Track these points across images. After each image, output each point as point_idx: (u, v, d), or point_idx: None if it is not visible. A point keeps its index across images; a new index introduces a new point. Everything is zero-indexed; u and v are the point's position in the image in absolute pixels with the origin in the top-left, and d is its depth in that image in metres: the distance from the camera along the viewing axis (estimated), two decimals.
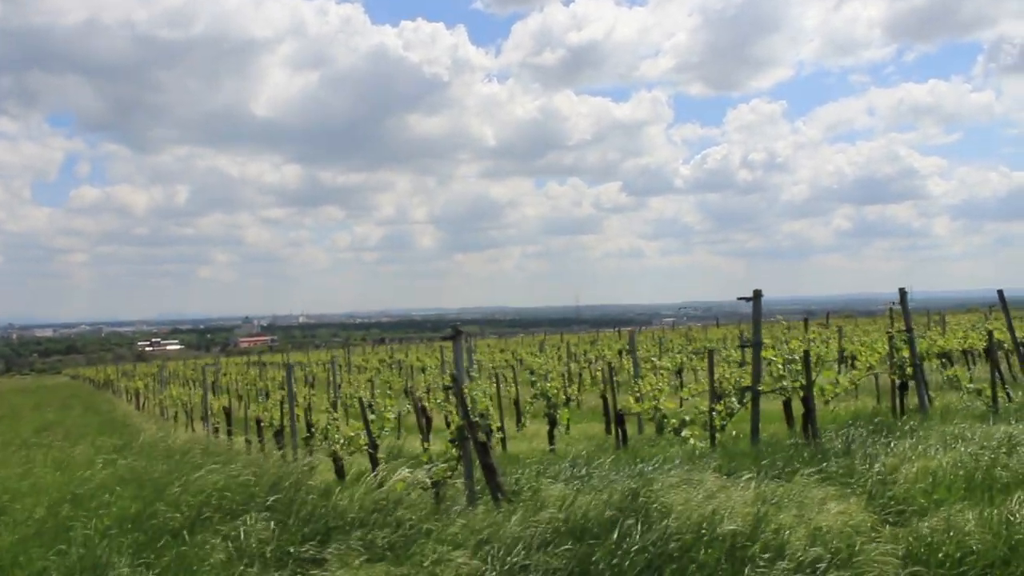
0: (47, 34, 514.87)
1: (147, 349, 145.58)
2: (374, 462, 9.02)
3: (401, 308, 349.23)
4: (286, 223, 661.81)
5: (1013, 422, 8.74)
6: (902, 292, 10.29)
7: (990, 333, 11.22)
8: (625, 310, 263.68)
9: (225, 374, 35.65)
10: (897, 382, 10.42)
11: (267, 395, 19.05)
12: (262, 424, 14.86)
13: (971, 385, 10.90)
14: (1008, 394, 11.31)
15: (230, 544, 6.54)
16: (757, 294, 8.73)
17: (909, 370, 10.26)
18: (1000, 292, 11.01)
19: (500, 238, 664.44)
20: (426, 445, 9.05)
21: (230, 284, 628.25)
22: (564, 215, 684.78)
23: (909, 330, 10.16)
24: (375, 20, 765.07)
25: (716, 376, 10.00)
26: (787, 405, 9.88)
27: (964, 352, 16.95)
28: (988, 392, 10.27)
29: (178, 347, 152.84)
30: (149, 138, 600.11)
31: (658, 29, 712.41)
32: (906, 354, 10.21)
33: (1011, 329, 11.58)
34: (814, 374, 9.03)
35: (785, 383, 9.17)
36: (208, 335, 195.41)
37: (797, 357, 9.04)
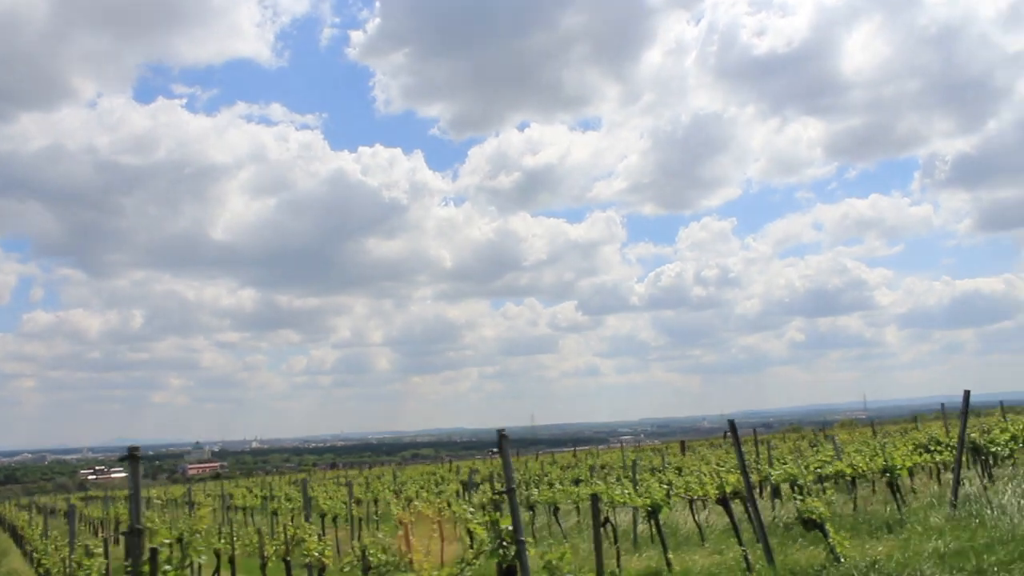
0: (8, 160, 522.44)
1: (90, 478, 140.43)
2: None
3: (357, 432, 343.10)
4: (241, 347, 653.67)
5: None
6: (731, 423, 9.98)
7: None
8: (583, 428, 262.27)
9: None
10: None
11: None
12: None
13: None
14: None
15: None
16: (502, 436, 7.48)
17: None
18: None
19: (457, 359, 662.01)
20: None
21: (183, 409, 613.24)
22: (521, 335, 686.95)
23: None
24: (334, 146, 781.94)
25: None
26: None
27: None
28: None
29: (123, 475, 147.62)
30: (106, 262, 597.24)
31: (611, 152, 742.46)
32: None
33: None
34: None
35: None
36: (157, 462, 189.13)
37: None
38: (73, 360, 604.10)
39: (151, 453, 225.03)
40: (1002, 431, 15.16)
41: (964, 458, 16.70)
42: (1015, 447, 15.37)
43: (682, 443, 28.41)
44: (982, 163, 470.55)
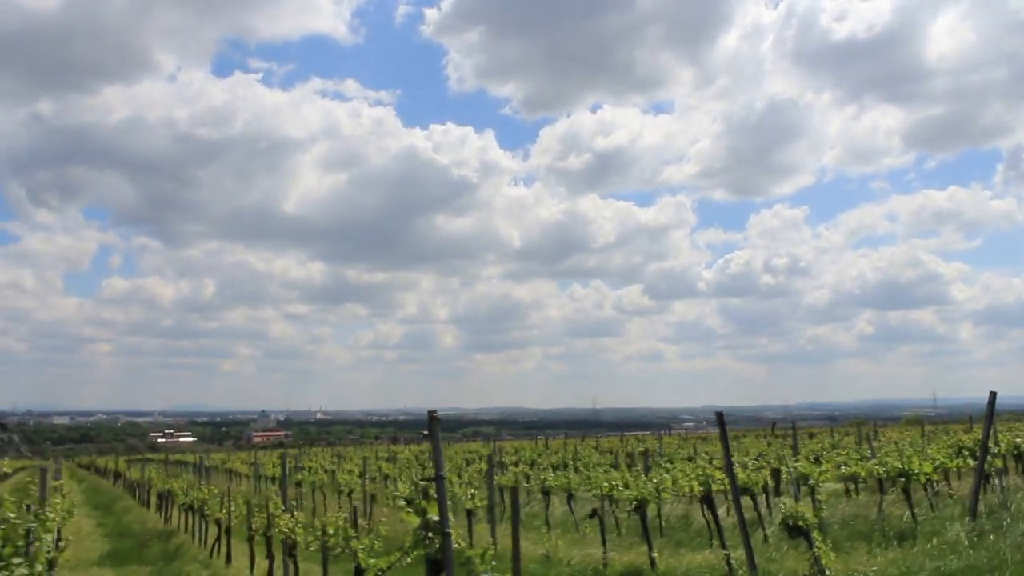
0: (92, 131, 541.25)
1: (160, 440, 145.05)
2: None
3: (420, 407, 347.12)
4: (310, 319, 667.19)
5: None
6: (719, 415, 9.25)
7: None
8: (645, 413, 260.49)
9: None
10: None
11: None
12: None
13: None
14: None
15: None
16: (432, 418, 5.90)
17: None
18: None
19: (522, 339, 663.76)
20: None
21: (251, 378, 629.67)
22: (586, 317, 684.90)
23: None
24: (406, 123, 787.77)
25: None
26: None
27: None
28: None
29: (191, 439, 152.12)
30: (181, 232, 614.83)
31: (682, 136, 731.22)
32: None
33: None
34: None
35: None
36: (224, 428, 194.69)
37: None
38: (147, 326, 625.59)
39: (218, 419, 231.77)
40: None
41: (1009, 465, 15.50)
42: None
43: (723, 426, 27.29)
44: None
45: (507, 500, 18.42)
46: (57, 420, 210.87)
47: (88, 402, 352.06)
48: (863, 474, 12.89)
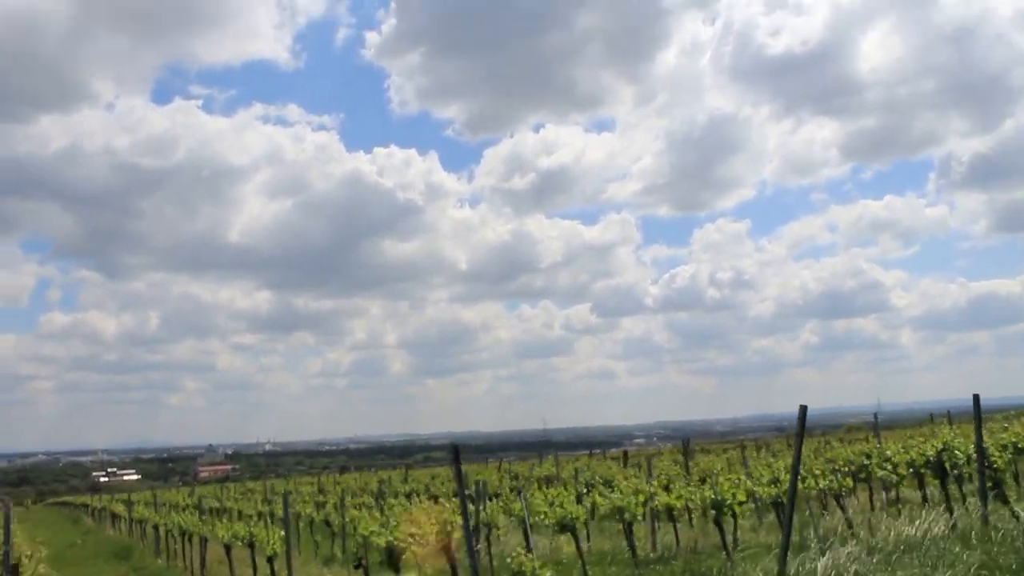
0: (28, 161, 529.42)
1: (102, 480, 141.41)
2: None
3: (371, 434, 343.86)
4: (257, 349, 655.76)
5: None
6: (454, 448, 8.67)
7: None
8: (597, 432, 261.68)
9: None
10: None
11: None
12: None
13: None
14: None
15: None
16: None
17: None
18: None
19: (472, 362, 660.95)
20: None
21: (198, 411, 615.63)
22: (535, 338, 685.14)
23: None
24: (349, 147, 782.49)
25: None
26: None
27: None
28: None
29: (136, 478, 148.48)
30: (123, 264, 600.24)
31: (625, 153, 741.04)
32: None
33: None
34: None
35: None
36: (170, 464, 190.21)
37: None
38: (89, 362, 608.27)
39: (164, 456, 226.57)
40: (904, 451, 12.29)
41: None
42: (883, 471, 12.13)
43: (624, 453, 28.09)
44: (998, 164, 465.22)
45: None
46: None
47: (28, 443, 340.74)
48: (678, 505, 11.40)
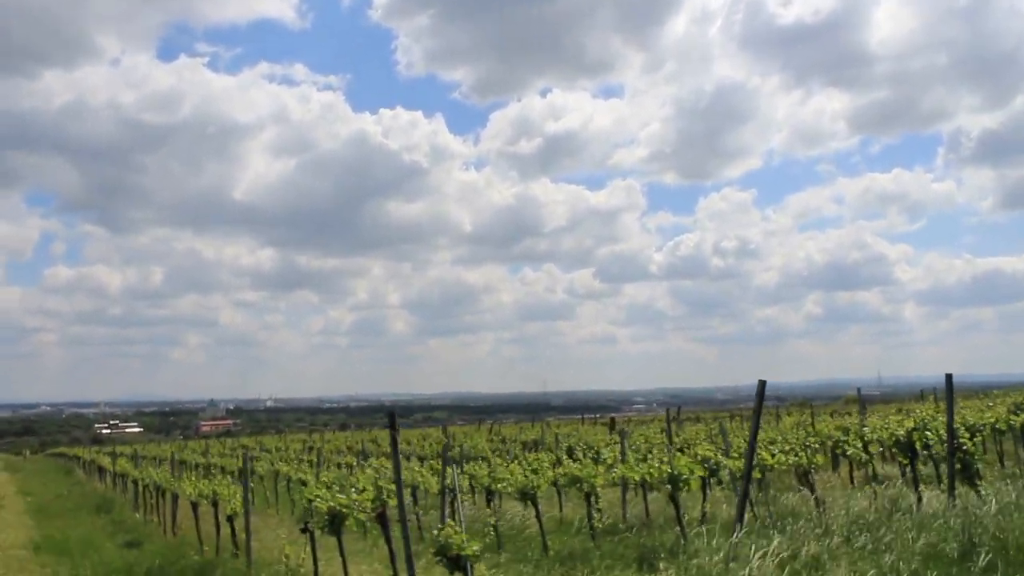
0: (33, 116, 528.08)
1: (104, 432, 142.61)
2: None
3: (372, 393, 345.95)
4: (260, 306, 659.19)
5: None
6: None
7: None
8: (597, 396, 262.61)
9: None
10: None
11: None
12: None
13: None
14: None
15: None
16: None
17: None
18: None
19: (474, 323, 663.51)
20: None
21: (201, 366, 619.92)
22: (538, 301, 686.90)
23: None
24: (356, 108, 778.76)
25: None
26: None
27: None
28: None
29: (138, 430, 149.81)
30: (127, 219, 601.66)
31: (633, 120, 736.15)
32: None
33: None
34: None
35: None
36: (172, 418, 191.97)
37: None
38: (94, 316, 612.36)
39: (167, 409, 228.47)
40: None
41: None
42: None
43: (612, 419, 27.89)
44: (1008, 140, 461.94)
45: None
46: None
47: (32, 394, 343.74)
48: (635, 478, 11.00)
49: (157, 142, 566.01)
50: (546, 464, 13.23)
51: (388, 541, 8.50)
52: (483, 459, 18.66)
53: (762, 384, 8.13)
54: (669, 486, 10.12)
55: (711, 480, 11.74)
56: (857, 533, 8.53)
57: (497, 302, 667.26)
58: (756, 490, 11.44)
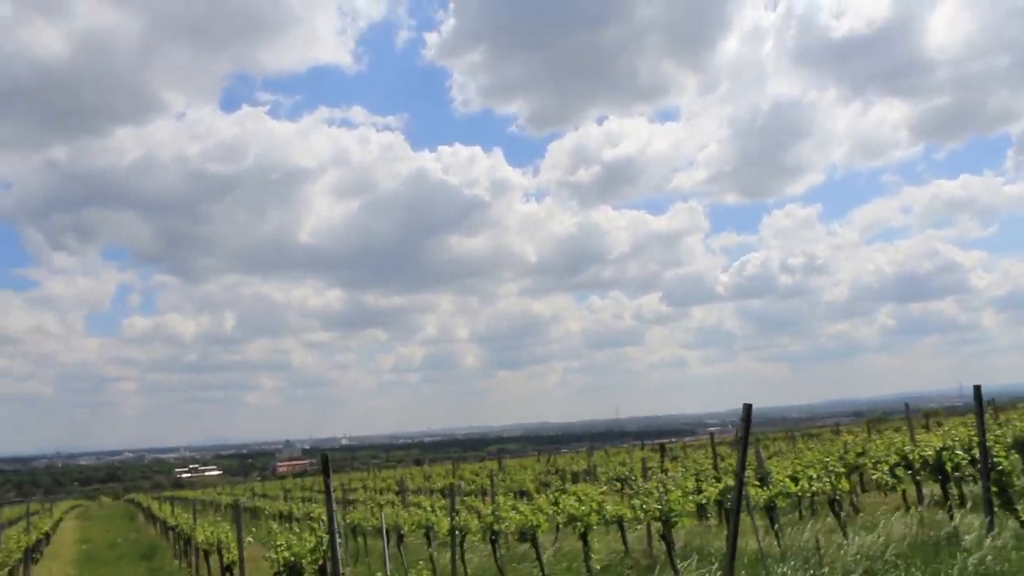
0: (106, 173, 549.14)
1: (184, 476, 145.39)
2: None
3: (444, 427, 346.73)
4: (331, 346, 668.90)
5: None
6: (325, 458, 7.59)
7: None
8: (669, 420, 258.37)
9: None
10: None
11: None
12: None
13: None
14: None
15: None
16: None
17: None
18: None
19: (543, 354, 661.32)
20: None
21: (275, 408, 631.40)
22: (606, 328, 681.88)
23: None
24: (414, 146, 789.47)
25: None
26: None
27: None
28: None
29: (217, 473, 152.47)
30: (198, 268, 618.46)
31: (690, 142, 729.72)
32: None
33: None
34: None
35: None
36: (249, 460, 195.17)
37: None
38: (170, 363, 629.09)
39: (244, 451, 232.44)
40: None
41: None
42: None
43: (662, 446, 26.76)
44: None
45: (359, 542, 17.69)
46: (84, 461, 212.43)
47: (114, 441, 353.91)
48: (628, 515, 10.20)
49: (223, 191, 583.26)
50: (590, 495, 12.35)
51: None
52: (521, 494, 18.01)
53: (747, 408, 7.23)
54: (660, 523, 9.24)
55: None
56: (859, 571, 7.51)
57: (565, 331, 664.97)
58: (760, 518, 10.41)
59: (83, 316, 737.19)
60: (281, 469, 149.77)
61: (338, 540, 7.27)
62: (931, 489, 12.79)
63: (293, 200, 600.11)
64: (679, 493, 9.59)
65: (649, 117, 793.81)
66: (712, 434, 23.24)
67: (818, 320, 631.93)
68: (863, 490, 16.53)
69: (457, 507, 12.33)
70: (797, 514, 14.35)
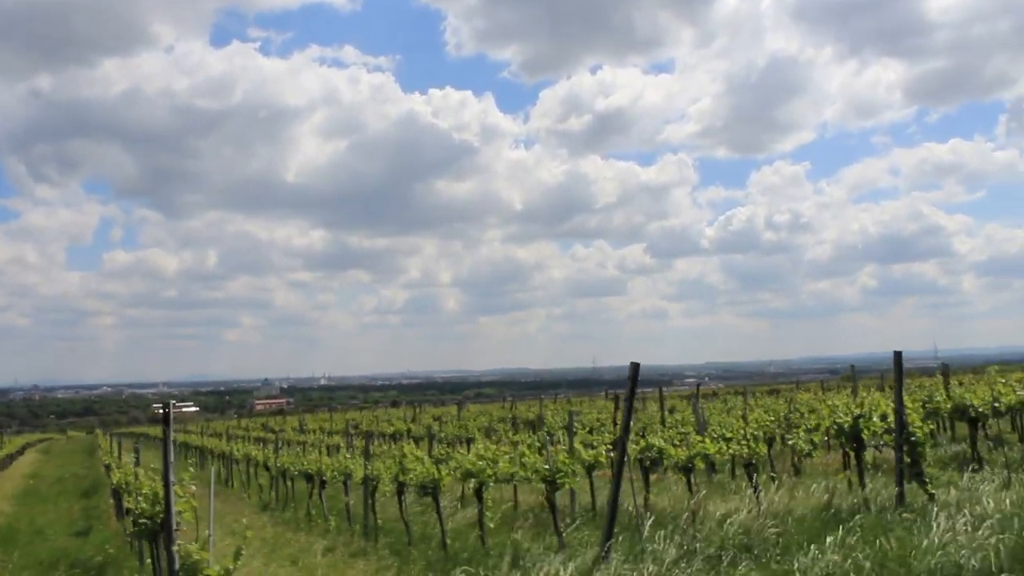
0: (91, 104, 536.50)
1: (161, 412, 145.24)
2: None
3: (423, 370, 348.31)
4: (313, 287, 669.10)
5: None
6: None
7: None
8: (648, 371, 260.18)
9: None
10: None
11: None
12: None
13: None
14: None
15: None
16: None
17: None
18: None
19: (525, 300, 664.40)
20: None
21: (255, 346, 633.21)
22: (589, 277, 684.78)
23: None
24: (405, 88, 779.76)
25: None
26: None
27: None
28: None
29: (194, 410, 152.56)
30: (182, 204, 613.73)
31: (683, 95, 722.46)
32: None
33: None
34: None
35: None
36: (227, 397, 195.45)
37: None
38: (150, 298, 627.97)
39: (222, 389, 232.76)
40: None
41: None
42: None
43: (616, 397, 26.30)
44: None
45: None
46: (61, 395, 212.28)
47: (93, 376, 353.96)
48: (521, 474, 9.58)
49: (210, 127, 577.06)
50: (491, 450, 11.95)
51: (155, 559, 7.26)
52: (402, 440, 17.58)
53: (635, 367, 6.80)
54: (545, 484, 8.80)
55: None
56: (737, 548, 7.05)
57: (548, 279, 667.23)
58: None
59: (64, 249, 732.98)
60: (259, 407, 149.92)
61: (175, 497, 6.78)
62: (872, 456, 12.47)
63: (281, 138, 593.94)
64: (563, 454, 9.13)
65: (643, 68, 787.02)
66: (698, 386, 23.09)
67: (800, 277, 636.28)
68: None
69: (374, 454, 11.93)
70: (729, 473, 14.03)
